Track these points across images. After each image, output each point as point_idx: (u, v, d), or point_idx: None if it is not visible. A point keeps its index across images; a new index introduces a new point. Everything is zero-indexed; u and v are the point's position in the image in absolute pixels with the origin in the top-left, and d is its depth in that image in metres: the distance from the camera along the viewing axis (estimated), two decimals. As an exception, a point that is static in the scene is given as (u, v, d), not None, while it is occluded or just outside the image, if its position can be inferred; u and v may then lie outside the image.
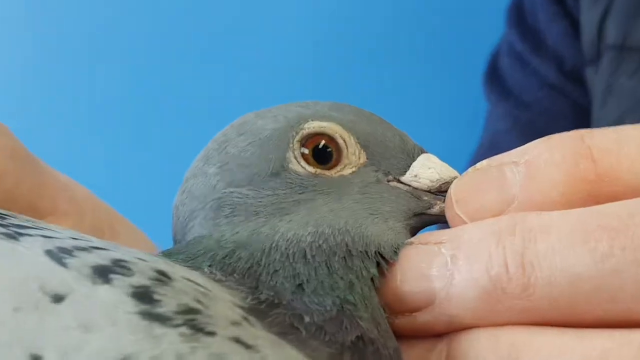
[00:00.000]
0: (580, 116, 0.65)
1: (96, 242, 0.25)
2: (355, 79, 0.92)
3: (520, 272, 0.25)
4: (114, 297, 0.22)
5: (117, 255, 0.24)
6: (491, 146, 0.65)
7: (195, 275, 0.25)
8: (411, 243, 0.28)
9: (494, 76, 0.72)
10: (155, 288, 0.23)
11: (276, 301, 0.25)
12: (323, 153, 0.29)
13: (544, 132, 0.28)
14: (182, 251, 0.28)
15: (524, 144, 0.28)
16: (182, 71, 0.91)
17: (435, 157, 0.31)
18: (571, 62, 0.66)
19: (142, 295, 0.22)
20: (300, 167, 0.29)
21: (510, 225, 0.26)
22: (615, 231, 0.25)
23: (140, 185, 0.88)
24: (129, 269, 0.23)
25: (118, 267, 0.23)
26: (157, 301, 0.22)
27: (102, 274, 0.23)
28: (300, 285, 0.26)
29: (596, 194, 0.26)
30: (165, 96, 0.91)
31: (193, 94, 0.91)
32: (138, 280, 0.23)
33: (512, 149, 0.28)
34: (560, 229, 0.25)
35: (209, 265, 0.27)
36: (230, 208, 0.29)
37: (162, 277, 0.23)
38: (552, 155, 0.27)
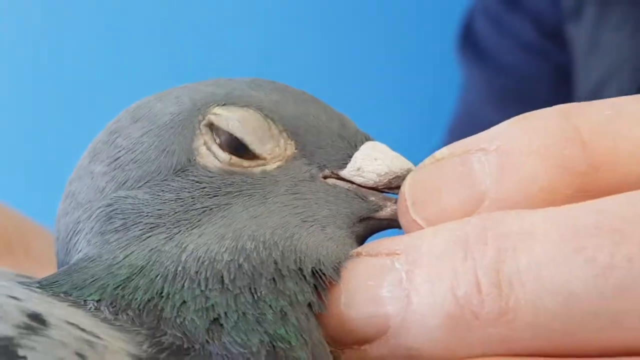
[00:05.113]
0: (562, 80, 0.62)
1: None
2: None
3: (496, 292, 0.21)
4: None
5: None
6: (468, 119, 0.62)
7: (80, 316, 0.21)
8: (357, 255, 0.23)
9: (468, 40, 0.69)
10: (22, 340, 0.19)
11: (185, 345, 0.21)
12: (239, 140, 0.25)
13: (523, 99, 0.24)
14: (64, 280, 0.23)
15: (504, 114, 0.24)
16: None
17: (384, 145, 0.26)
18: (550, 19, 0.63)
19: (3, 352, 0.18)
20: (213, 158, 0.24)
21: (481, 230, 0.21)
22: (619, 235, 0.20)
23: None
24: None
25: None
26: (22, 358, 0.18)
27: None
28: (216, 320, 0.22)
29: (588, 187, 0.22)
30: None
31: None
32: (1, 330, 0.19)
33: (490, 121, 0.24)
34: (546, 234, 0.21)
35: (97, 300, 0.22)
36: (122, 219, 0.24)
37: (35, 324, 0.20)
38: (529, 140, 0.22)
